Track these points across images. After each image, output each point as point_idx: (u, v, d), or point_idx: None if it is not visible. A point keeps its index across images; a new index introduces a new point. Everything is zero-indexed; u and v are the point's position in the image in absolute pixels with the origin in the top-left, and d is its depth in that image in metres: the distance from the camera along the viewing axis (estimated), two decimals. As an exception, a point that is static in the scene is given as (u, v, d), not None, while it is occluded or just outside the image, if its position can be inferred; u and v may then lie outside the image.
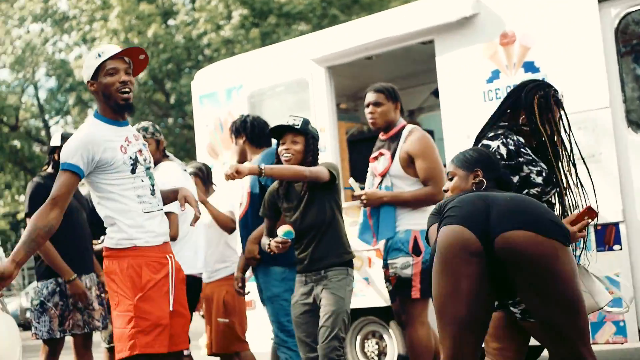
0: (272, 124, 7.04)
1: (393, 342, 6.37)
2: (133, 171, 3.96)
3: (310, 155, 4.84)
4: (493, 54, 5.77)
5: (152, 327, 3.90)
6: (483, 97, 5.82)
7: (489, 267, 2.99)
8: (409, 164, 5.18)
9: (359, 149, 7.76)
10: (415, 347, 5.11)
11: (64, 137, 5.91)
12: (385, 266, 5.25)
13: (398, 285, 5.08)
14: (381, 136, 5.39)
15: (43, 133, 28.85)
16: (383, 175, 5.24)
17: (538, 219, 2.99)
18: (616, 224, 5.25)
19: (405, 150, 5.18)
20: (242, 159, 5.78)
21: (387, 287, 5.30)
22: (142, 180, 4.00)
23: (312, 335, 4.80)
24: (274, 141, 6.98)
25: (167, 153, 5.73)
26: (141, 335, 3.87)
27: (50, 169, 5.92)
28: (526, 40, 5.63)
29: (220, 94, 7.33)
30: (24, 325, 23.38)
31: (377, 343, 6.52)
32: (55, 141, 5.92)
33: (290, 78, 6.87)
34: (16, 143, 27.85)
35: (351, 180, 5.34)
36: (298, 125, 4.84)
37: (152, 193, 4.03)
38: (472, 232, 2.97)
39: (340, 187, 4.91)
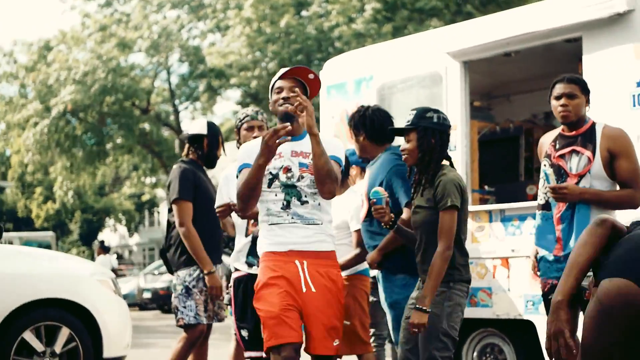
0: (402, 118, 6.84)
1: (512, 356, 6.03)
2: (269, 185, 4.23)
3: (423, 147, 4.46)
4: (646, 55, 5.32)
5: (265, 320, 4.13)
6: (632, 102, 5.38)
7: None
8: (608, 163, 4.75)
9: (490, 150, 7.40)
10: None
11: (211, 126, 5.84)
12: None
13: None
14: (566, 132, 4.92)
15: (172, 118, 29.46)
16: (581, 176, 4.80)
17: None
18: None
19: (607, 147, 4.75)
20: (364, 155, 5.47)
21: (552, 297, 4.89)
22: (276, 195, 4.23)
23: (410, 342, 4.49)
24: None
25: None
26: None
27: (192, 156, 5.84)
28: (686, 41, 5.16)
29: (349, 85, 7.10)
30: (140, 305, 23.97)
31: (495, 357, 6.18)
32: (201, 129, 5.83)
33: (423, 71, 6.57)
34: (146, 126, 28.52)
35: (549, 171, 4.87)
36: (408, 122, 4.54)
37: (284, 208, 4.23)
38: None
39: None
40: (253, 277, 4.59)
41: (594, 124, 4.87)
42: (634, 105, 5.37)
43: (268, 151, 4.03)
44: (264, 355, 4.57)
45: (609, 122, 5.21)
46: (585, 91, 4.88)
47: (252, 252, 4.91)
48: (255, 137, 5.05)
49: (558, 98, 4.85)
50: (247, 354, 4.88)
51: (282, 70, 4.34)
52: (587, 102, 4.89)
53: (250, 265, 4.94)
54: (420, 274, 4.53)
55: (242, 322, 4.84)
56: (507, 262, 5.96)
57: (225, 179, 5.27)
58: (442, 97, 6.38)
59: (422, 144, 4.47)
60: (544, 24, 5.82)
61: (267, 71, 22.93)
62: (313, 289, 4.15)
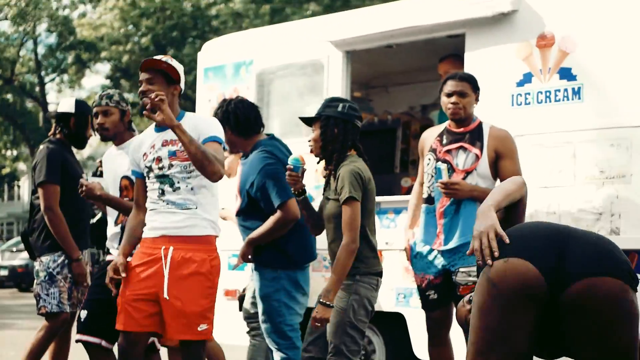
0: (281, 105, 6.75)
1: (381, 347, 6.04)
2: (148, 176, 4.40)
3: (326, 137, 4.39)
4: (527, 56, 5.37)
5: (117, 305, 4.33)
6: (511, 101, 5.43)
7: (544, 314, 2.58)
8: (493, 162, 4.83)
9: (367, 141, 7.34)
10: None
11: (79, 105, 5.58)
12: (438, 272, 4.92)
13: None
14: (453, 128, 4.96)
15: (37, 89, 28.42)
16: (468, 172, 4.84)
17: (621, 263, 2.59)
18: (639, 252, 4.88)
19: (494, 147, 4.83)
20: (235, 150, 5.28)
21: (430, 294, 4.96)
22: (153, 184, 4.37)
23: (314, 333, 4.45)
24: (279, 122, 6.63)
25: (133, 127, 5.30)
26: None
27: (59, 135, 5.57)
28: (566, 44, 5.23)
29: (228, 68, 6.91)
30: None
31: (364, 347, 6.17)
32: (69, 107, 5.55)
33: (305, 59, 6.46)
34: (9, 97, 27.44)
35: (442, 166, 4.89)
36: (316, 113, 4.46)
37: (160, 195, 4.35)
38: (538, 271, 2.54)
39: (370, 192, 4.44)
40: None
41: (481, 123, 4.93)
42: (513, 105, 5.42)
43: None
44: (93, 340, 4.75)
45: (491, 122, 5.28)
46: (476, 89, 4.92)
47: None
48: (99, 124, 5.00)
49: (449, 95, 4.87)
50: (77, 336, 4.79)
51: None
52: (477, 99, 4.94)
53: None
54: (331, 266, 4.47)
55: (87, 303, 4.75)
56: (381, 254, 5.89)
57: (106, 159, 5.13)
58: (323, 86, 6.30)
59: (325, 133, 4.38)
60: (429, 19, 5.80)
61: (140, 46, 22.40)
62: (174, 276, 4.22)
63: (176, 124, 4.13)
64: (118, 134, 4.99)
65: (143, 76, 4.31)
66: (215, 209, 4.42)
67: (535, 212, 5.20)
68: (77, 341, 4.80)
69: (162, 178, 4.32)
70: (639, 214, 4.90)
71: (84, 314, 4.74)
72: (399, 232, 5.75)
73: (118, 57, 23.43)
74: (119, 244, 4.71)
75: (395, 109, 7.73)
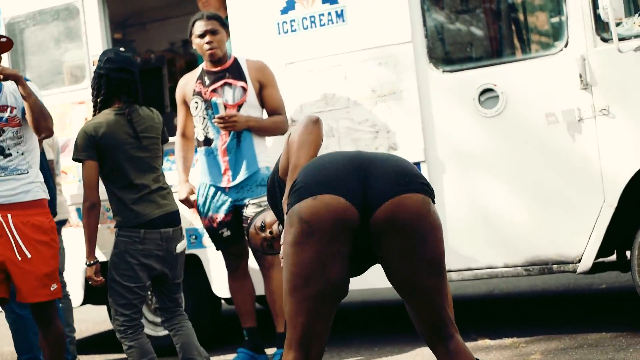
0: (37, 55, 6.34)
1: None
2: None
3: (92, 93, 4.39)
4: (294, -17, 5.36)
5: None
6: (277, 30, 5.40)
7: (356, 239, 2.63)
8: (259, 92, 5.07)
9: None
10: (275, 290, 5.08)
11: None
12: (228, 210, 5.09)
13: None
14: (211, 68, 5.13)
15: None
16: (240, 105, 5.03)
17: (419, 178, 2.67)
18: (417, 164, 5.09)
19: (257, 78, 5.08)
20: None
21: (223, 232, 5.13)
22: None
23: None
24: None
25: None
26: None
27: None
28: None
29: (-28, 19, 6.39)
30: None
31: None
32: None
33: (58, 3, 6.06)
34: None
35: (219, 100, 4.99)
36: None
37: None
38: (352, 204, 2.57)
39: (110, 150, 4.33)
40: None
41: (236, 58, 5.14)
42: (280, 33, 5.40)
43: None
44: None
45: (255, 52, 5.32)
46: (224, 26, 5.12)
47: None
48: None
49: (202, 36, 5.04)
50: None
51: None
52: (228, 35, 5.16)
53: None
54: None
55: None
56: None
57: None
58: (81, 30, 5.98)
59: (93, 86, 4.40)
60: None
61: None
62: (20, 242, 4.25)
63: (20, 75, 4.18)
64: None
65: None
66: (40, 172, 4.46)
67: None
68: None
69: None
70: (412, 128, 5.09)
71: None
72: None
73: None
74: None
75: (157, 46, 7.53)
